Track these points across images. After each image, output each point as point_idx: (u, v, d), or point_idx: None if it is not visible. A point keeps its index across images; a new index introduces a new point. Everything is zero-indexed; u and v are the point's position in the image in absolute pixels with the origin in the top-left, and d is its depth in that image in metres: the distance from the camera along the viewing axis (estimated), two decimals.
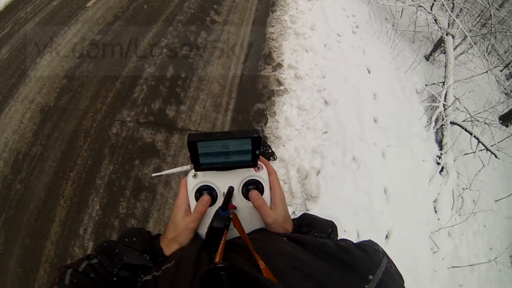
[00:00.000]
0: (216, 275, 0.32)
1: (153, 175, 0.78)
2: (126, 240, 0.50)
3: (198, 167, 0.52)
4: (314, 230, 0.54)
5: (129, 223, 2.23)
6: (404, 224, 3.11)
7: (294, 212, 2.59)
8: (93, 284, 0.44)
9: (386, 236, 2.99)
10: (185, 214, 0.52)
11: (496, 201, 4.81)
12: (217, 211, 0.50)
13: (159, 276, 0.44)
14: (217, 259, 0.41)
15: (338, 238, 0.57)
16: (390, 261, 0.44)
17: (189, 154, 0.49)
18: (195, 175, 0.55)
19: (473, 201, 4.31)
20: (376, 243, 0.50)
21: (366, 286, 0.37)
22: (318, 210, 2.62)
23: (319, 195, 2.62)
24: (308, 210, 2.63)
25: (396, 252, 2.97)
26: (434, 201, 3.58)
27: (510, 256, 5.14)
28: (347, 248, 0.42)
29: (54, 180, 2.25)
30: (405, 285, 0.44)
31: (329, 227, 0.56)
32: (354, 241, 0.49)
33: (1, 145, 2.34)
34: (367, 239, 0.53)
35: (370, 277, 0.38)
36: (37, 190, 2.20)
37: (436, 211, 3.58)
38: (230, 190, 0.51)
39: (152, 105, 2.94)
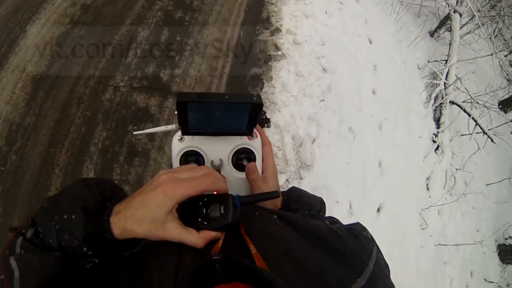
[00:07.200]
0: (211, 267, 0.32)
1: (135, 133, 0.72)
2: (65, 216, 0.37)
3: (186, 131, 0.46)
4: (304, 208, 0.52)
5: (123, 188, 2.18)
6: (396, 198, 3.11)
7: (287, 180, 2.56)
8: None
9: (378, 209, 3.00)
10: (172, 212, 0.39)
11: (487, 185, 4.85)
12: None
13: (139, 251, 0.41)
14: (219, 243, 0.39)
15: (327, 215, 0.56)
16: (378, 250, 0.44)
17: (177, 115, 0.43)
18: (181, 138, 0.49)
19: (465, 182, 4.34)
20: (365, 228, 0.49)
21: (358, 279, 0.36)
22: (312, 178, 2.59)
23: (313, 163, 2.57)
24: (302, 178, 2.59)
25: (387, 226, 2.98)
26: (427, 179, 3.58)
27: (496, 241, 5.25)
28: (340, 235, 0.41)
29: (49, 149, 2.23)
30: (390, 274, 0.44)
31: (318, 204, 0.54)
32: (345, 214, 0.44)
33: None
34: (355, 222, 0.52)
35: (362, 270, 0.37)
36: (32, 159, 2.18)
37: (428, 189, 3.58)
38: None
39: (146, 69, 2.85)
